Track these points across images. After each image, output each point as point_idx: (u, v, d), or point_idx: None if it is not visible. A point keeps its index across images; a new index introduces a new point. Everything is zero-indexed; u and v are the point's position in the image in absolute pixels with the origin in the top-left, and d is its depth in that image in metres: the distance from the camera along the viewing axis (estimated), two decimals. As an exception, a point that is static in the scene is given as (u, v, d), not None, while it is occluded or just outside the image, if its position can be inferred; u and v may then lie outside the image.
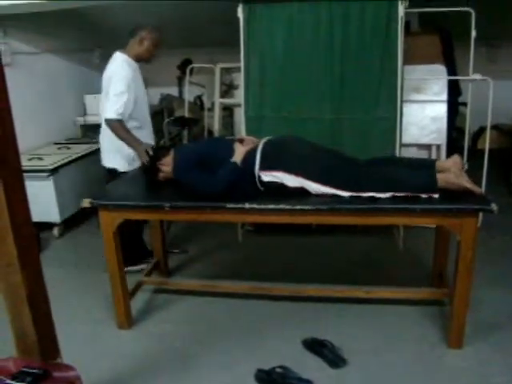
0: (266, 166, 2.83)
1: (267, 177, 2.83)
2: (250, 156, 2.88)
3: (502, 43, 6.95)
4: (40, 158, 4.80)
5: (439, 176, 2.65)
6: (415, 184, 2.67)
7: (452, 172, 2.66)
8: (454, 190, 2.64)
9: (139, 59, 3.65)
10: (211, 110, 5.90)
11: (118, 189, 3.26)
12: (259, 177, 2.84)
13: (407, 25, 4.58)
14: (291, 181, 2.79)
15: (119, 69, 3.51)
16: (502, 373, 2.60)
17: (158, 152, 3.14)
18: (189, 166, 2.88)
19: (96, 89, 6.30)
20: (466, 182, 2.63)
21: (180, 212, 2.91)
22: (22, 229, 1.84)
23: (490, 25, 4.72)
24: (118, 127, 3.41)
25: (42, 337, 1.98)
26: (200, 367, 2.76)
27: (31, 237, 1.93)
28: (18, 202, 1.81)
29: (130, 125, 3.52)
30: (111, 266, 2.98)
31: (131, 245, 3.73)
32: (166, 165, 3.05)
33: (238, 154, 2.89)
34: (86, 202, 2.84)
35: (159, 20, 5.71)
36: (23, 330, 1.95)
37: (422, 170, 2.78)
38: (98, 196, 2.96)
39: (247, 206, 2.70)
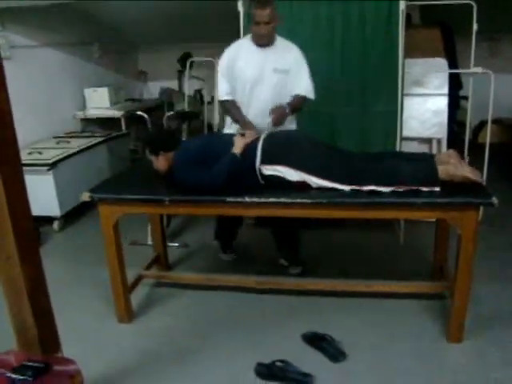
0: (267, 160, 2.83)
1: (269, 171, 2.83)
2: (250, 149, 2.87)
3: (503, 37, 6.94)
4: (40, 152, 4.79)
5: (439, 168, 2.64)
6: (416, 176, 2.66)
7: (451, 164, 2.66)
8: (455, 181, 2.63)
9: (256, 42, 3.32)
10: (211, 103, 5.89)
11: (117, 182, 3.26)
12: (260, 170, 2.84)
13: (408, 18, 4.57)
14: (293, 175, 2.79)
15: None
16: (502, 367, 2.60)
17: (166, 142, 3.12)
18: (187, 166, 2.87)
19: (96, 82, 6.35)
20: (466, 172, 2.62)
21: (180, 206, 2.90)
22: (22, 223, 1.84)
23: (492, 18, 4.71)
24: (223, 108, 3.57)
25: (43, 330, 1.98)
26: (200, 361, 2.75)
27: (31, 231, 1.93)
28: (18, 196, 1.81)
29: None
30: (111, 260, 2.98)
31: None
32: (165, 160, 3.04)
33: (238, 145, 2.88)
34: (85, 196, 2.84)
35: (160, 14, 5.74)
36: (23, 324, 1.95)
37: (422, 163, 2.78)
38: (98, 190, 2.96)
39: (247, 199, 2.70)
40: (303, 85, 3.36)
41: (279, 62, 3.29)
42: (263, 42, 3.27)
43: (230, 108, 3.42)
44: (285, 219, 3.29)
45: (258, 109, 3.34)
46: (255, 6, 3.13)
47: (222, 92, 3.44)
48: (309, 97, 3.38)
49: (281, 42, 3.36)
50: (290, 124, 3.45)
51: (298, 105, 3.36)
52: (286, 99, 3.31)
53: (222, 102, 3.48)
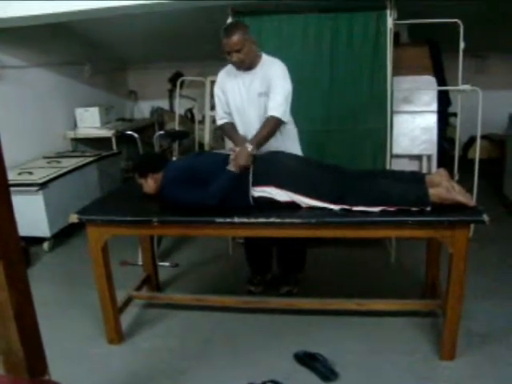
0: (256, 182, 2.83)
1: (257, 192, 2.83)
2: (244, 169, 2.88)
3: (489, 54, 7.02)
4: (30, 172, 4.77)
5: (431, 191, 2.63)
6: (407, 198, 2.66)
7: (443, 187, 2.65)
8: (445, 204, 2.63)
9: (236, 69, 3.25)
10: (202, 122, 5.90)
11: (106, 203, 3.25)
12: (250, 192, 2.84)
13: (396, 36, 4.61)
14: (282, 195, 2.79)
15: None
16: (495, 385, 2.59)
17: (154, 163, 3.12)
18: (176, 184, 2.85)
19: (86, 102, 6.35)
20: (458, 196, 2.62)
21: (169, 227, 2.90)
22: (9, 245, 1.81)
23: (478, 36, 4.76)
24: (222, 132, 3.59)
25: (30, 354, 1.95)
26: (190, 382, 2.73)
27: (18, 253, 1.90)
28: (4, 217, 1.79)
29: None
30: (100, 282, 2.95)
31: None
32: (154, 182, 3.03)
33: (236, 164, 2.87)
34: (73, 218, 2.81)
35: (150, 34, 5.76)
36: (10, 348, 1.92)
37: (414, 184, 2.77)
38: (86, 211, 2.94)
39: (236, 220, 2.68)
40: (274, 104, 3.12)
41: (263, 85, 3.19)
42: (241, 68, 3.21)
43: (226, 130, 3.40)
44: (293, 239, 3.30)
45: (251, 133, 3.23)
46: (222, 35, 3.06)
47: (218, 117, 3.44)
48: (278, 117, 3.09)
49: (266, 62, 3.24)
50: (293, 144, 3.41)
51: (268, 130, 3.09)
52: None
53: (220, 127, 3.46)
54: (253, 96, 3.23)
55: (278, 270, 3.78)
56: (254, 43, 3.14)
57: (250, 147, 2.94)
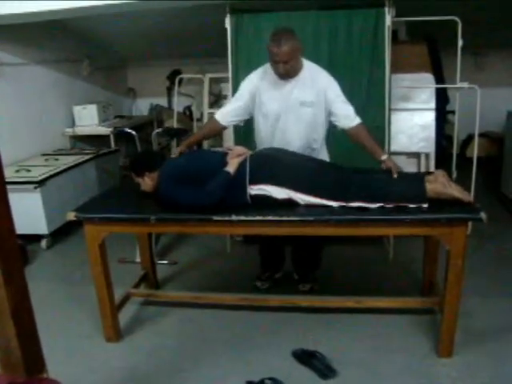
0: (253, 180, 2.81)
1: (254, 190, 2.81)
2: (240, 168, 2.85)
3: (489, 52, 7.02)
4: (28, 170, 4.76)
5: (428, 187, 2.65)
6: (405, 194, 2.66)
7: (439, 182, 2.66)
8: (443, 199, 2.63)
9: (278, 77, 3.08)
10: (200, 120, 5.89)
11: (104, 201, 3.24)
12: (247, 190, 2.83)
13: (395, 34, 4.61)
14: (280, 193, 2.77)
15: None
16: (493, 382, 2.59)
17: (149, 162, 3.11)
18: (173, 183, 2.81)
19: (85, 99, 6.35)
20: (454, 191, 2.62)
21: (166, 224, 2.89)
22: (6, 242, 1.81)
23: (477, 33, 4.76)
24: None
25: (27, 352, 1.95)
26: (188, 380, 2.72)
27: (15, 250, 1.89)
28: (2, 214, 1.78)
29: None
30: (97, 280, 2.94)
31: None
32: (151, 180, 3.01)
33: (232, 164, 2.86)
34: (70, 215, 2.80)
35: (148, 31, 5.75)
36: (7, 346, 1.91)
37: (412, 181, 2.79)
38: (83, 209, 2.94)
39: (234, 217, 2.67)
40: (351, 112, 3.14)
41: (308, 94, 3.07)
42: (284, 78, 3.04)
43: (206, 123, 3.35)
44: (308, 238, 3.32)
45: (285, 141, 3.16)
46: (271, 43, 2.88)
47: (220, 110, 3.37)
48: (362, 121, 3.16)
49: (308, 70, 3.10)
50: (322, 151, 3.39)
51: (370, 134, 3.16)
52: (318, 131, 3.22)
53: (213, 117, 3.38)
54: (293, 104, 3.10)
55: (294, 270, 3.77)
56: (300, 51, 3.00)
57: (384, 156, 3.02)
